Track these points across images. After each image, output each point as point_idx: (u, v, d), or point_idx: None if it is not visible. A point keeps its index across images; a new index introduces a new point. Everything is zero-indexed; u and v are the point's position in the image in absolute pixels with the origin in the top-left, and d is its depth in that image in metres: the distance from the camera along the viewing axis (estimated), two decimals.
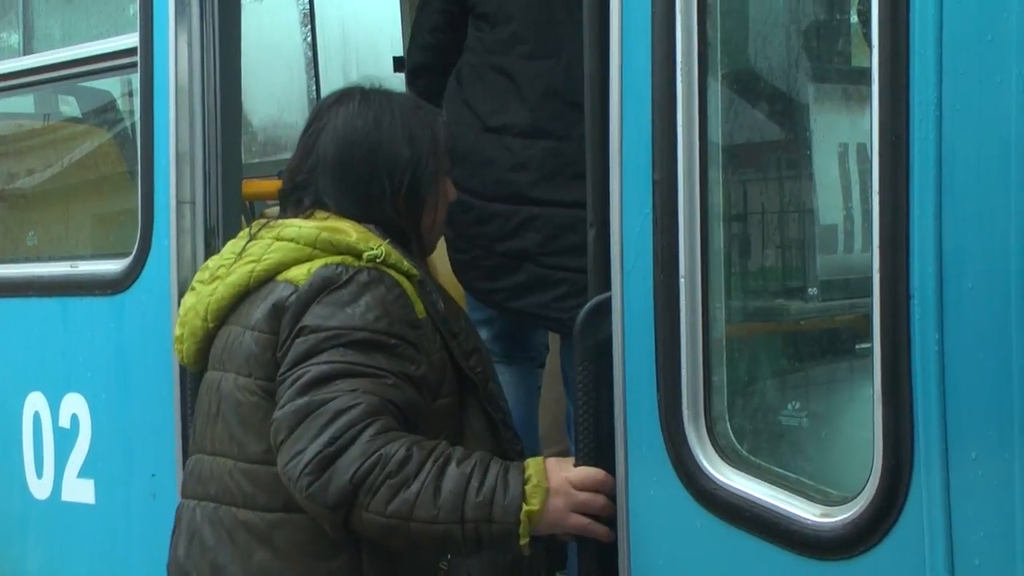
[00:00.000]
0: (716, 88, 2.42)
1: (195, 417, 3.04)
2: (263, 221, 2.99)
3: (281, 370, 2.70)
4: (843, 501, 2.18)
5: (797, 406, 2.43)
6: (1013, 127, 1.97)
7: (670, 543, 2.44)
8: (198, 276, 3.06)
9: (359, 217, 2.86)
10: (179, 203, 3.61)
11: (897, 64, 2.07)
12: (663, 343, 2.40)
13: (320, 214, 2.88)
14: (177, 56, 3.62)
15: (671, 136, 2.39)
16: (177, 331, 3.03)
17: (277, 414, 2.65)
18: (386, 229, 2.87)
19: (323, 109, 3.05)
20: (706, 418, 2.38)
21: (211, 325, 2.95)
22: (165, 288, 3.65)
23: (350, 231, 2.81)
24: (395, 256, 2.78)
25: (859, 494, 2.13)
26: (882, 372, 2.09)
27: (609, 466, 2.51)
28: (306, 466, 2.53)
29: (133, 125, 4.15)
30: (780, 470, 2.35)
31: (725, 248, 2.43)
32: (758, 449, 2.40)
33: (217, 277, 2.95)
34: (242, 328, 2.86)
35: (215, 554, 2.83)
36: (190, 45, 3.62)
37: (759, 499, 2.28)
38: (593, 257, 2.57)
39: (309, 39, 7.69)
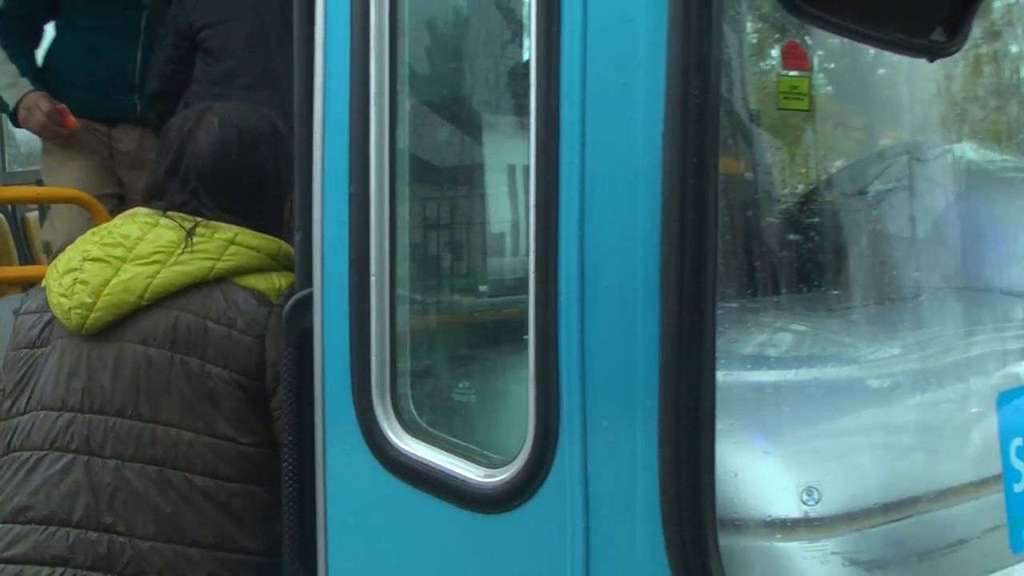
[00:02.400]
0: (405, 114, 2.44)
1: (67, 377, 2.87)
2: (195, 219, 2.93)
3: None
4: (503, 464, 2.23)
5: (467, 385, 2.49)
6: (639, 156, 2.04)
7: (361, 502, 2.46)
8: (106, 251, 2.88)
9: (248, 226, 2.90)
10: None
11: (550, 102, 2.12)
12: (356, 332, 2.41)
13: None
14: None
15: (365, 154, 2.40)
16: (86, 299, 2.82)
17: None
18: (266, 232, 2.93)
19: (184, 133, 3.01)
20: (392, 396, 2.40)
21: (144, 303, 2.82)
22: None
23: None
24: None
25: (515, 457, 2.19)
26: (535, 356, 2.15)
27: (310, 438, 2.52)
28: None
29: None
30: (453, 439, 2.39)
31: (410, 252, 2.46)
32: (435, 422, 2.44)
33: (155, 261, 2.84)
34: (199, 318, 2.80)
35: (168, 513, 2.77)
36: None
37: (435, 463, 2.32)
38: (299, 258, 2.57)
39: None
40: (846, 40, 2.33)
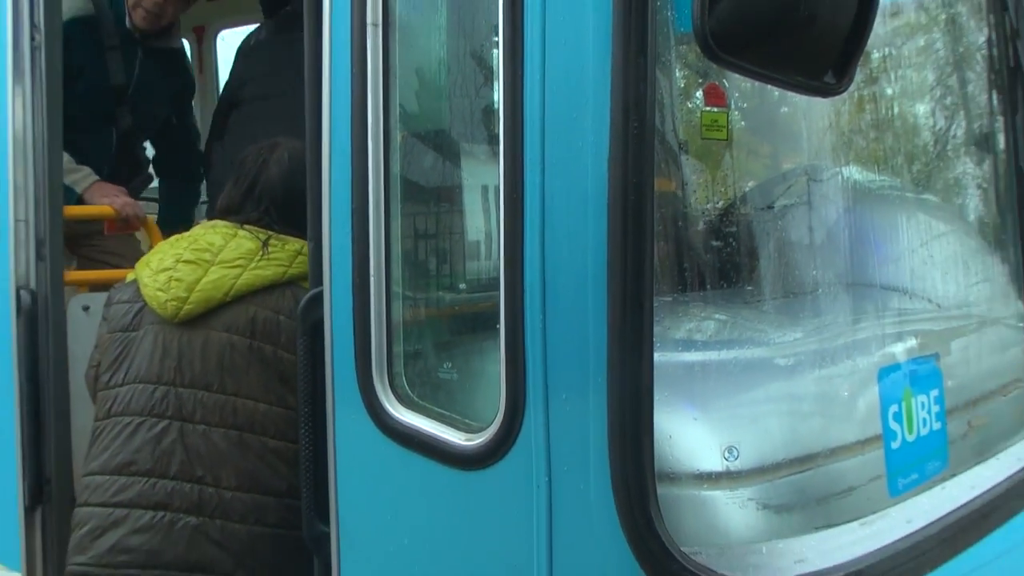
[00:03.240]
0: (397, 143, 2.39)
1: (160, 356, 2.84)
2: (268, 232, 2.94)
3: None
4: (480, 430, 2.18)
5: (450, 365, 2.42)
6: (589, 178, 2.00)
7: (365, 462, 2.39)
8: (196, 255, 2.86)
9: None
10: (16, 221, 3.33)
11: (516, 133, 2.08)
12: (359, 323, 2.35)
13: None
14: (14, 111, 3.33)
15: (364, 177, 2.34)
16: (181, 293, 2.82)
17: None
18: None
19: (259, 164, 3.03)
20: (389, 374, 2.34)
21: (228, 299, 2.82)
22: (4, 283, 3.36)
23: None
24: None
25: (490, 424, 2.14)
26: (506, 341, 2.10)
27: (322, 409, 2.45)
28: None
29: None
30: (439, 409, 2.33)
31: (403, 257, 2.39)
32: (425, 395, 2.37)
33: (238, 265, 2.84)
34: (274, 313, 2.79)
35: (248, 469, 2.76)
36: (24, 103, 3.34)
37: (425, 429, 2.27)
38: (311, 262, 2.50)
39: None
40: (757, 83, 2.29)
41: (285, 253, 2.88)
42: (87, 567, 2.81)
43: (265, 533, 2.78)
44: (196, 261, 2.86)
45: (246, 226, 2.96)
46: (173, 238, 3.06)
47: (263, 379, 2.78)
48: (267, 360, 2.79)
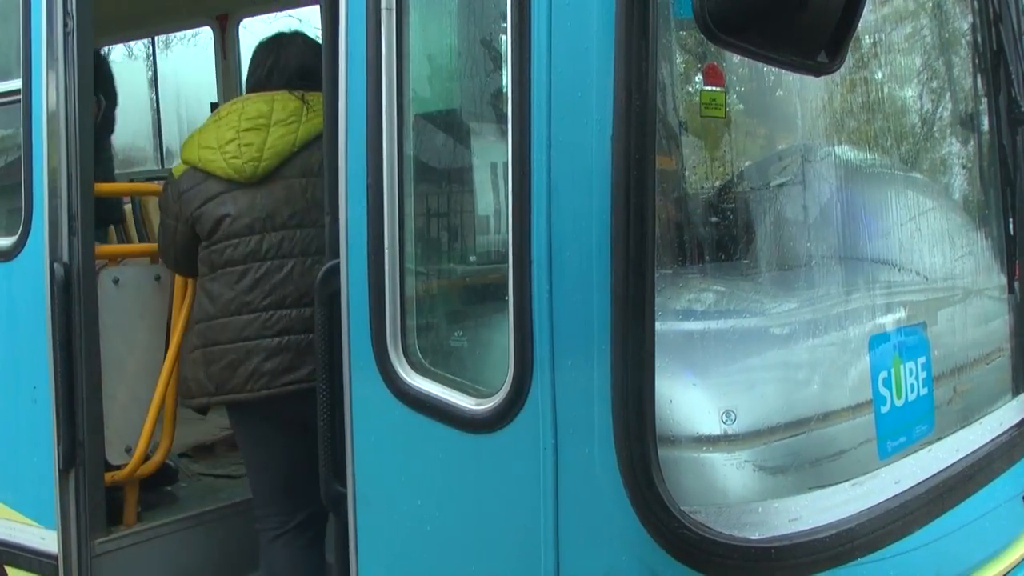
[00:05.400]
0: (409, 124, 2.35)
1: (247, 212, 3.01)
2: (300, 92, 3.09)
3: None
4: (490, 395, 2.16)
5: (461, 334, 2.39)
6: (594, 155, 1.97)
7: (379, 425, 2.37)
8: (253, 122, 3.02)
9: None
10: (50, 197, 3.29)
11: (523, 113, 2.04)
12: (374, 293, 2.32)
13: None
14: (48, 93, 3.29)
15: (378, 155, 2.31)
16: (255, 154, 2.98)
17: None
18: None
19: (275, 50, 3.22)
20: (402, 342, 2.32)
21: (296, 150, 3.02)
22: (40, 256, 3.32)
23: None
24: None
25: (499, 390, 2.12)
26: (514, 310, 2.08)
27: (339, 375, 2.42)
28: None
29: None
30: (450, 375, 2.30)
31: (415, 230, 2.36)
32: (437, 362, 2.35)
33: (293, 121, 3.03)
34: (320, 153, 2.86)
35: None
36: (58, 88, 3.29)
37: (436, 395, 2.25)
38: (328, 235, 2.47)
39: (154, 90, 7.24)
40: (755, 66, 2.25)
41: (318, 114, 2.95)
42: (234, 396, 3.03)
43: None
44: (255, 128, 3.00)
45: (277, 94, 3.09)
46: (210, 120, 3.17)
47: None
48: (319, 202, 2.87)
